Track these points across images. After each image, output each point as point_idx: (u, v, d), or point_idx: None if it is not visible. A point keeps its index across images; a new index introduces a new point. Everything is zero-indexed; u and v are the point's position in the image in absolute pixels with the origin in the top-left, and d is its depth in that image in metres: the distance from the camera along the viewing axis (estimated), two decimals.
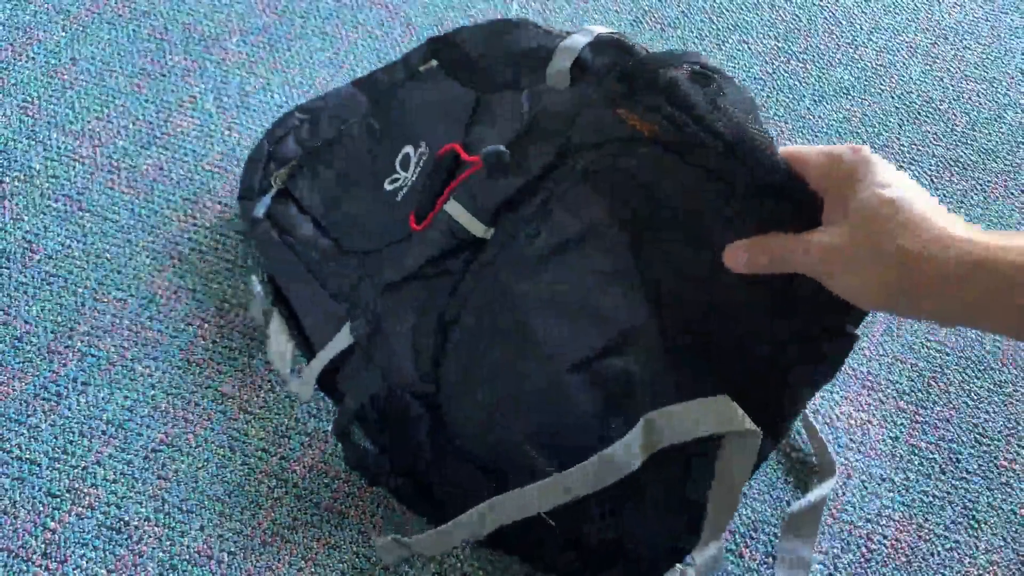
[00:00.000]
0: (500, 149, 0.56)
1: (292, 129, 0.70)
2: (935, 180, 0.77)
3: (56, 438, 0.59)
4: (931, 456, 0.62)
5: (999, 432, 0.63)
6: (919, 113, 0.82)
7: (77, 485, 0.58)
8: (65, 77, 0.78)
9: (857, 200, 0.45)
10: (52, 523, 0.56)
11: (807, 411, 0.63)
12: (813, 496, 0.58)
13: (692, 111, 0.50)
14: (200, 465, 0.59)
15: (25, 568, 0.55)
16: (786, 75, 0.84)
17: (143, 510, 0.57)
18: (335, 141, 0.68)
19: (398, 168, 0.63)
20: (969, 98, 0.83)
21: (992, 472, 0.61)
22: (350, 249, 0.63)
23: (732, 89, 0.50)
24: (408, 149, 0.63)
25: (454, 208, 0.57)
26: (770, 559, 0.57)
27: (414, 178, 0.62)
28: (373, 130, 0.67)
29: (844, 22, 0.89)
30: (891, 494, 0.60)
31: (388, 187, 0.63)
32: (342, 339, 0.59)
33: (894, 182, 0.45)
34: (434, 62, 0.67)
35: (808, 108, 0.81)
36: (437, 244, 0.57)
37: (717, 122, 0.49)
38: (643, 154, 0.52)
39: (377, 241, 0.62)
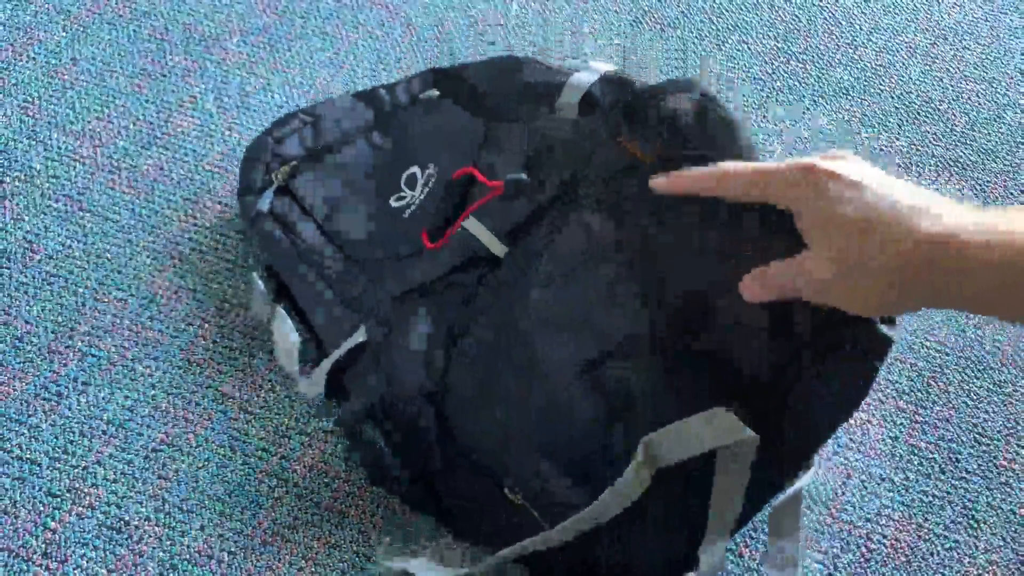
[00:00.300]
0: (521, 177, 0.58)
1: (296, 130, 0.70)
2: (935, 180, 0.77)
3: (57, 438, 0.59)
4: (931, 456, 0.62)
5: (999, 432, 0.63)
6: (919, 113, 0.82)
7: (77, 485, 0.58)
8: (66, 77, 0.78)
9: (829, 217, 0.45)
10: (53, 523, 0.56)
11: None
12: (790, 491, 0.58)
13: (687, 141, 0.54)
14: (200, 465, 0.59)
15: (25, 568, 0.55)
16: (786, 75, 0.84)
17: (143, 510, 0.57)
18: (337, 147, 0.68)
19: (403, 187, 0.64)
20: (968, 98, 0.83)
21: (992, 472, 0.61)
22: (351, 255, 0.63)
23: (716, 114, 0.54)
24: (414, 170, 0.65)
25: (474, 226, 0.59)
26: None
27: (422, 197, 0.63)
28: (376, 146, 0.68)
29: (844, 22, 0.89)
30: (891, 494, 0.60)
31: (393, 204, 0.64)
32: (355, 340, 0.60)
33: (857, 192, 0.44)
34: (435, 92, 0.69)
35: (808, 108, 0.81)
36: (452, 260, 0.59)
37: (706, 149, 0.53)
38: (644, 176, 0.53)
39: (379, 252, 0.62)
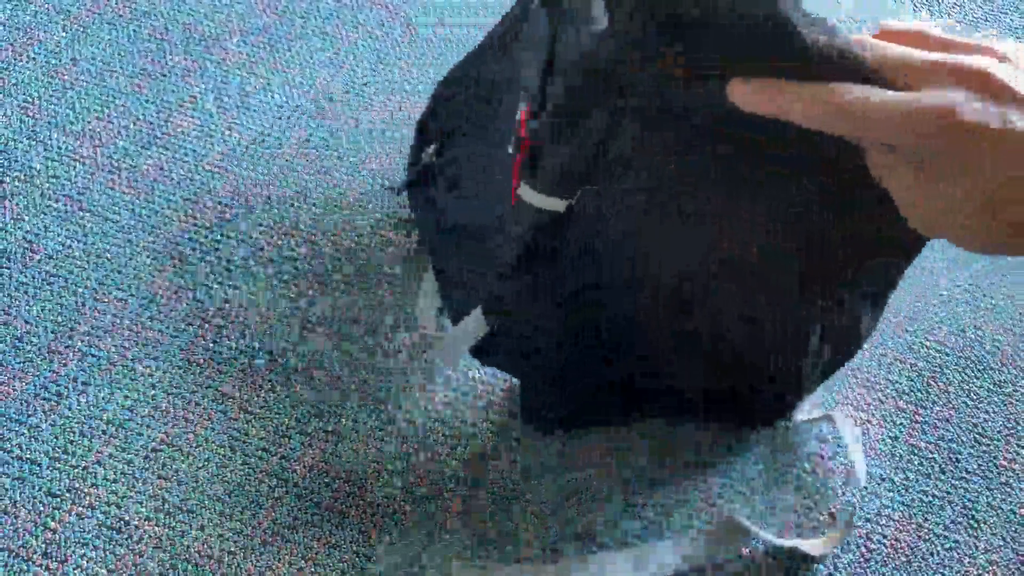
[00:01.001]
0: (547, 122, 0.49)
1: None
2: None
3: (56, 438, 0.59)
4: (931, 456, 0.62)
5: (999, 432, 0.63)
6: None
7: (77, 485, 0.58)
8: (66, 77, 0.78)
9: (960, 175, 0.38)
10: (52, 523, 0.56)
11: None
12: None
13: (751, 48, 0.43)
14: (200, 465, 0.59)
15: (25, 568, 0.55)
16: None
17: (143, 510, 0.57)
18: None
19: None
20: None
21: (992, 472, 0.61)
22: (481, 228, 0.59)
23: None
24: (522, 105, 0.56)
25: (527, 193, 0.52)
26: (769, 558, 0.57)
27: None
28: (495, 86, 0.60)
29: (844, 23, 0.89)
30: (890, 494, 0.60)
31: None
32: (475, 322, 0.56)
33: (1003, 154, 0.38)
34: None
35: None
36: (530, 233, 0.53)
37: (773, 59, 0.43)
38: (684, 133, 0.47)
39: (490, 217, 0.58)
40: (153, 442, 0.60)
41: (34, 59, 0.79)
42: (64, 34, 0.81)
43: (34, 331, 0.64)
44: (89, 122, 0.75)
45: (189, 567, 0.55)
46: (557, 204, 0.51)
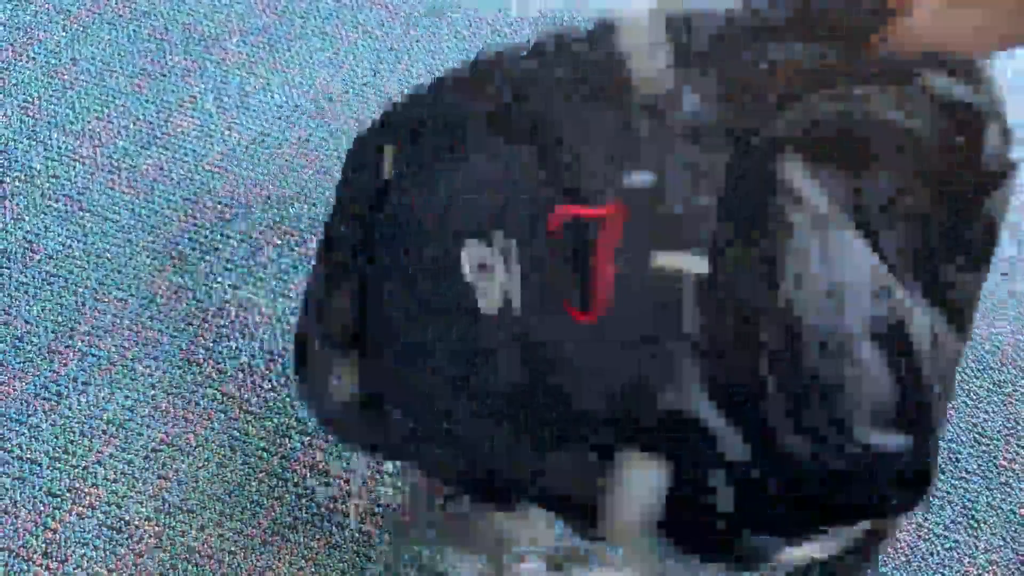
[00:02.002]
0: (649, 178, 0.42)
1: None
2: None
3: (57, 438, 0.59)
4: None
5: (998, 432, 0.63)
6: None
7: (78, 485, 0.58)
8: (65, 77, 0.78)
9: None
10: (53, 523, 0.56)
11: None
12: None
13: None
14: (200, 465, 0.59)
15: (26, 568, 0.55)
16: None
17: (143, 510, 0.57)
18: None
19: (470, 277, 0.47)
20: None
21: (991, 472, 0.61)
22: None
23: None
24: (475, 249, 0.48)
25: (667, 259, 0.43)
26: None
27: (514, 275, 0.46)
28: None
29: None
30: None
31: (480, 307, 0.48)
32: None
33: None
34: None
35: None
36: (650, 304, 0.43)
37: None
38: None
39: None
40: (153, 442, 0.60)
41: (34, 59, 0.79)
42: (64, 34, 0.81)
43: (34, 331, 0.64)
44: (89, 122, 0.75)
45: (189, 567, 0.55)
46: (700, 264, 0.43)
